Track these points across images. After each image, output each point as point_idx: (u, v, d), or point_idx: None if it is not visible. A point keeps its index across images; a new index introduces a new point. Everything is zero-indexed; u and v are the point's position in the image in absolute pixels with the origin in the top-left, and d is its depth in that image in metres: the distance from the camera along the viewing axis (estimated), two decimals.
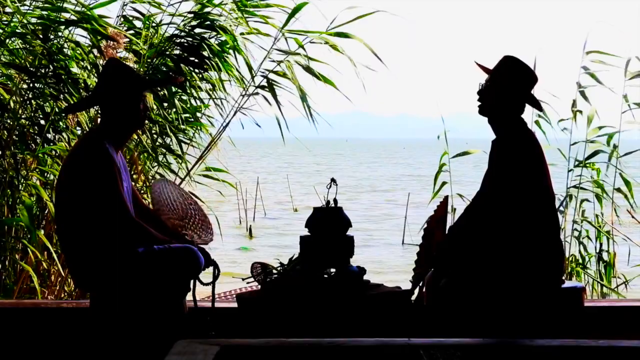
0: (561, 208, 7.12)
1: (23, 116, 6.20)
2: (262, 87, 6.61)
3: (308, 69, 6.53)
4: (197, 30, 6.57)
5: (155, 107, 6.20)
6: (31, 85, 6.19)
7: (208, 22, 6.54)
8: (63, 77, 6.12)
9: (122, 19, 6.62)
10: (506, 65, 4.28)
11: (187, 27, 6.56)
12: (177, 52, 6.52)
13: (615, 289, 7.12)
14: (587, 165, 7.32)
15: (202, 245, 4.30)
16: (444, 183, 7.37)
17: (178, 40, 6.53)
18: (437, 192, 7.36)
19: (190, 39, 6.53)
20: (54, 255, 5.94)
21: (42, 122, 6.22)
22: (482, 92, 4.28)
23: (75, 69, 6.24)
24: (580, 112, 7.32)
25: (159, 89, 6.32)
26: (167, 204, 4.42)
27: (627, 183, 7.29)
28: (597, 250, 7.26)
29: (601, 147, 7.39)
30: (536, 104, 4.32)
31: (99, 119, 6.31)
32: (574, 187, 7.30)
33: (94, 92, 4.29)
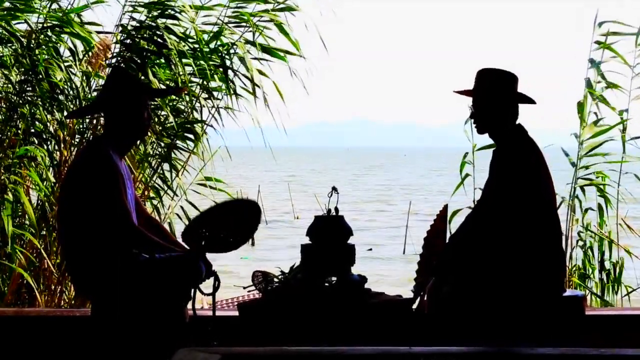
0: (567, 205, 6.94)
1: (11, 123, 6.22)
2: (220, 67, 6.57)
3: (253, 44, 6.54)
4: (161, 20, 6.51)
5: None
6: (18, 91, 6.21)
7: (168, 12, 6.49)
8: (43, 84, 6.15)
9: (120, 28, 6.61)
10: (482, 79, 4.30)
11: (150, 17, 6.50)
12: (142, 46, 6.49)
13: (609, 301, 6.97)
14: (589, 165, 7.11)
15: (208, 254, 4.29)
16: (467, 175, 7.23)
17: (138, 35, 6.48)
18: (459, 184, 7.23)
19: (153, 31, 6.48)
20: (49, 262, 5.94)
21: (22, 126, 6.23)
22: (474, 114, 4.31)
23: (59, 77, 6.24)
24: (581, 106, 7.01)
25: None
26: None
27: None
28: (599, 260, 7.12)
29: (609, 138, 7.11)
30: (528, 100, 4.33)
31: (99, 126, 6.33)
32: (582, 178, 7.06)
33: (99, 98, 4.30)
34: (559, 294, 4.21)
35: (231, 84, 6.56)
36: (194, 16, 6.47)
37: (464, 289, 4.17)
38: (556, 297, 4.20)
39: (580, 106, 7.11)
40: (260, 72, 6.61)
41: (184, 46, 6.37)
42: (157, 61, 6.44)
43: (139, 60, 6.35)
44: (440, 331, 4.22)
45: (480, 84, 4.29)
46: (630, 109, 7.13)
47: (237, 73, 6.56)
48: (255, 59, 6.59)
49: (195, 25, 6.45)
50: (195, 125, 6.62)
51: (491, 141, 4.41)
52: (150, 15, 6.50)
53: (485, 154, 6.97)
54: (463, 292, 4.17)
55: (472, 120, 4.35)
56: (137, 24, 6.50)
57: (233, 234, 4.27)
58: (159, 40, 6.34)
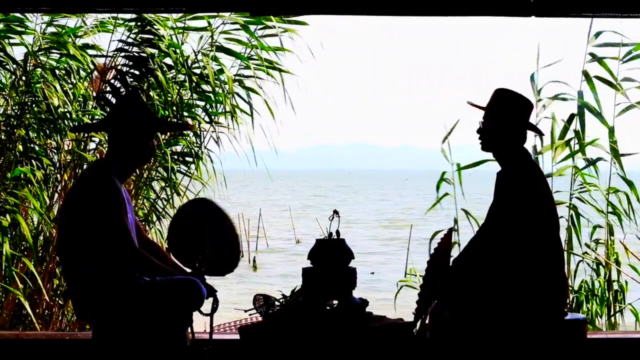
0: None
1: (9, 145, 6.24)
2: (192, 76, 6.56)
3: (224, 50, 6.53)
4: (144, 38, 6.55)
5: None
6: (17, 113, 6.24)
7: (149, 28, 6.50)
8: (41, 106, 6.17)
9: (117, 52, 6.62)
10: (499, 98, 4.29)
11: (132, 35, 6.53)
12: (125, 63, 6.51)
13: (606, 323, 6.91)
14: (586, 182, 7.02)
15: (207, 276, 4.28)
16: (446, 194, 7.18)
17: (124, 53, 6.51)
18: (435, 203, 7.19)
19: (136, 50, 6.51)
20: (40, 284, 5.93)
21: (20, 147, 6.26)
22: (481, 130, 4.30)
23: (56, 100, 6.26)
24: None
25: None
26: (192, 226, 4.34)
27: (629, 184, 6.85)
28: (600, 279, 7.04)
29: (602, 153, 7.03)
30: (536, 130, 4.33)
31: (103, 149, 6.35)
32: (574, 196, 7.00)
33: (107, 120, 4.30)
34: (560, 317, 4.20)
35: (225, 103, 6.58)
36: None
37: (467, 312, 4.16)
38: (558, 321, 4.18)
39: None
40: (248, 88, 6.63)
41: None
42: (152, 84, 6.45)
43: (135, 83, 6.39)
44: (441, 355, 4.21)
45: (496, 103, 4.29)
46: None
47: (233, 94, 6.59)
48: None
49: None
50: (194, 149, 6.62)
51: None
52: (138, 39, 6.54)
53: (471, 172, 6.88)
54: (466, 315, 4.16)
55: (478, 135, 4.33)
56: (130, 47, 6.53)
57: (217, 248, 4.28)
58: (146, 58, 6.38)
